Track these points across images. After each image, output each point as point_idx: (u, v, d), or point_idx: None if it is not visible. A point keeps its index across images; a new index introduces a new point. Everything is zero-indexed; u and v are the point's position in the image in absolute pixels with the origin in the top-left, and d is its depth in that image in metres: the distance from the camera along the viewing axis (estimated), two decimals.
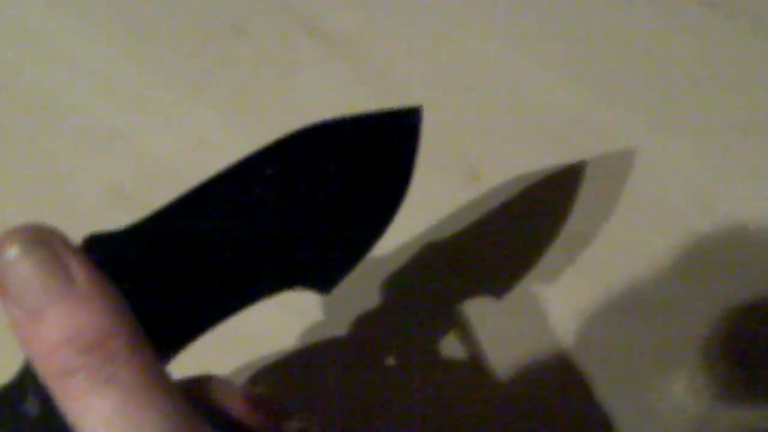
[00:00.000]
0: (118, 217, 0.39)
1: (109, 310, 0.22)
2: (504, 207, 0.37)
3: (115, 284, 0.22)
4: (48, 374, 0.22)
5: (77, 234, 0.24)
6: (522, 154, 0.38)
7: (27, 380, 0.25)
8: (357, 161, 0.26)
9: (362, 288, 0.36)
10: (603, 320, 0.36)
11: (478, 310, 0.36)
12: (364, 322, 0.36)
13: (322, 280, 0.26)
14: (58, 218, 0.40)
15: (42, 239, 0.22)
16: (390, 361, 0.36)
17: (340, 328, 0.36)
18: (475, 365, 0.36)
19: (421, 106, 0.27)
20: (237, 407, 0.27)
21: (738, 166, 0.37)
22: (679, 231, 0.36)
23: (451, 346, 0.36)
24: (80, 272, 0.22)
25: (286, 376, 0.36)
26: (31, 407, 0.24)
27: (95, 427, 0.21)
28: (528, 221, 0.37)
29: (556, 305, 0.36)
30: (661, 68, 0.39)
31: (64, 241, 0.22)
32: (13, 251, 0.22)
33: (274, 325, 0.36)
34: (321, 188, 0.25)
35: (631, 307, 0.36)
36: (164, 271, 0.24)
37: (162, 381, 0.22)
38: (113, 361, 0.22)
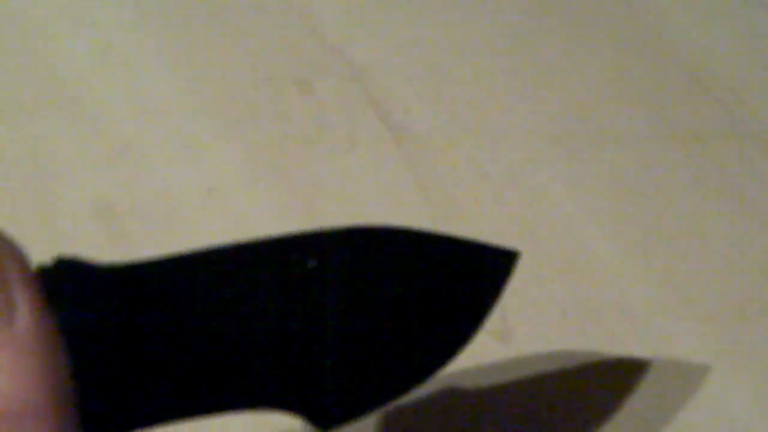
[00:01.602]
0: (98, 240, 0.33)
1: (45, 376, 0.16)
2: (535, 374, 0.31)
3: (65, 343, 0.16)
4: None
5: (49, 248, 0.19)
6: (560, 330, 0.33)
7: None
8: (426, 286, 0.20)
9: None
10: None
11: None
12: None
13: (326, 414, 0.20)
14: (34, 220, 0.35)
15: None
16: None
17: None
18: None
19: (519, 252, 0.22)
20: None
21: None
22: None
23: None
24: (26, 310, 0.16)
25: None
26: None
27: None
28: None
29: None
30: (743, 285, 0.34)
31: (20, 260, 0.16)
32: None
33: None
34: (369, 304, 0.20)
35: None
36: (140, 341, 0.18)
37: None
38: None
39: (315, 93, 0.38)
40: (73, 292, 0.18)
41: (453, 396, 0.30)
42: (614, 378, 0.32)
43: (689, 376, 0.32)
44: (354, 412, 0.21)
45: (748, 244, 0.36)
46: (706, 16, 0.43)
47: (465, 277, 0.21)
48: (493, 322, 0.28)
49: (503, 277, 0.21)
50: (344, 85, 0.38)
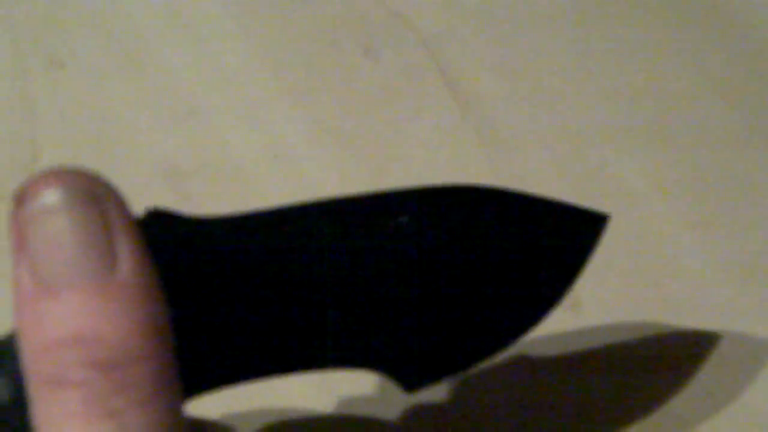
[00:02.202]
0: (164, 200, 0.33)
1: (148, 324, 0.16)
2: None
3: (165, 289, 0.16)
4: (34, 372, 0.16)
5: None
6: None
7: (4, 357, 0.19)
8: (519, 247, 0.20)
9: None
10: None
11: None
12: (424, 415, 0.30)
13: (412, 374, 0.20)
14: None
15: (94, 194, 0.16)
16: None
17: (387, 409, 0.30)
18: None
19: (610, 215, 0.21)
20: None
21: None
22: None
23: None
24: (129, 258, 0.16)
25: None
26: (2, 388, 0.19)
27: None
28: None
29: None
30: None
31: (122, 206, 0.16)
32: (50, 197, 0.16)
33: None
34: (459, 263, 0.20)
35: None
36: (229, 292, 0.18)
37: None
38: (126, 393, 0.15)
39: (381, 60, 0.38)
40: (171, 240, 0.18)
41: (523, 366, 0.30)
42: (682, 349, 0.32)
43: (758, 350, 0.32)
44: (439, 375, 0.21)
45: None
46: None
47: (555, 237, 0.20)
48: None
49: (593, 239, 0.21)
50: (410, 52, 0.38)
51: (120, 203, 0.16)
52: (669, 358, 0.31)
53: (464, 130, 0.36)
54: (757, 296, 0.33)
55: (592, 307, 0.32)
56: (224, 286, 0.18)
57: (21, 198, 0.16)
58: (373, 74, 0.37)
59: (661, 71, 0.38)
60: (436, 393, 0.30)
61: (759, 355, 0.32)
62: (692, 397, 0.31)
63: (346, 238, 0.19)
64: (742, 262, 0.34)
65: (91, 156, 0.36)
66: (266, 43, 0.38)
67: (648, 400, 0.31)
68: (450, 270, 0.19)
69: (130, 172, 0.36)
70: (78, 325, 0.15)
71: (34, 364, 0.16)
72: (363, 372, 0.20)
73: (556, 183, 0.35)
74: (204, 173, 0.35)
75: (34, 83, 0.37)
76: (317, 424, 0.29)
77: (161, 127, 0.37)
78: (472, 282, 0.20)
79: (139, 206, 0.19)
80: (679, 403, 0.30)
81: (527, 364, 0.30)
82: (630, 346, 0.31)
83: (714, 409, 0.31)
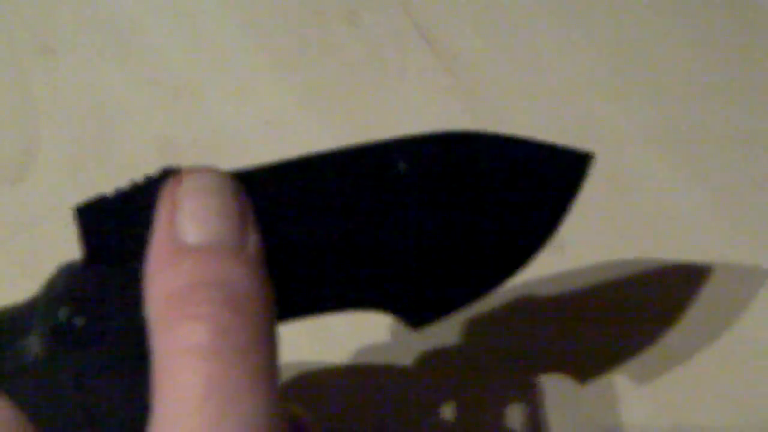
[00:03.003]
0: None
1: (264, 286, 0.19)
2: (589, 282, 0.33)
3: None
4: (166, 308, 0.19)
5: (113, 179, 0.21)
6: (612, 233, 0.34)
7: (36, 315, 0.20)
8: (510, 187, 0.21)
9: None
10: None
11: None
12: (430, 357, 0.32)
13: (418, 313, 0.22)
14: (98, 157, 0.37)
15: (238, 193, 0.20)
16: (445, 412, 0.31)
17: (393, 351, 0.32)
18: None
19: (594, 153, 0.23)
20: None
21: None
22: None
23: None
24: (254, 238, 0.20)
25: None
26: (34, 344, 0.20)
27: (185, 390, 0.18)
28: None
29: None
30: None
31: (249, 204, 0.21)
32: (212, 181, 0.20)
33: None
34: (455, 204, 0.21)
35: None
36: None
37: (275, 375, 0.19)
38: (245, 332, 0.18)
39: (363, 24, 0.39)
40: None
41: (512, 306, 0.32)
42: (672, 284, 0.33)
43: (747, 280, 0.34)
44: (441, 312, 0.22)
45: None
46: None
47: (543, 176, 0.22)
48: None
49: (579, 177, 0.22)
50: (391, 14, 0.39)
51: (250, 205, 0.21)
52: (660, 295, 0.33)
53: (448, 87, 0.37)
54: (743, 231, 0.34)
55: (581, 249, 0.33)
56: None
57: (181, 177, 0.20)
58: (357, 39, 0.38)
59: (646, 21, 0.39)
60: (439, 336, 0.31)
61: (749, 285, 0.34)
62: (686, 331, 0.32)
63: (352, 185, 0.21)
64: (729, 200, 0.35)
65: (88, 134, 0.37)
66: (250, 15, 0.39)
67: (642, 336, 0.32)
68: (446, 212, 0.21)
69: (126, 149, 0.37)
70: (214, 274, 0.19)
71: (169, 299, 0.19)
72: (374, 312, 0.22)
73: (543, 133, 0.36)
74: (198, 146, 0.37)
75: (28, 70, 0.38)
76: (333, 375, 0.31)
77: (153, 105, 0.38)
78: (466, 222, 0.21)
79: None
80: (673, 338, 0.32)
81: (522, 306, 0.32)
82: (621, 284, 0.33)
83: (709, 341, 0.32)
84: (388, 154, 0.21)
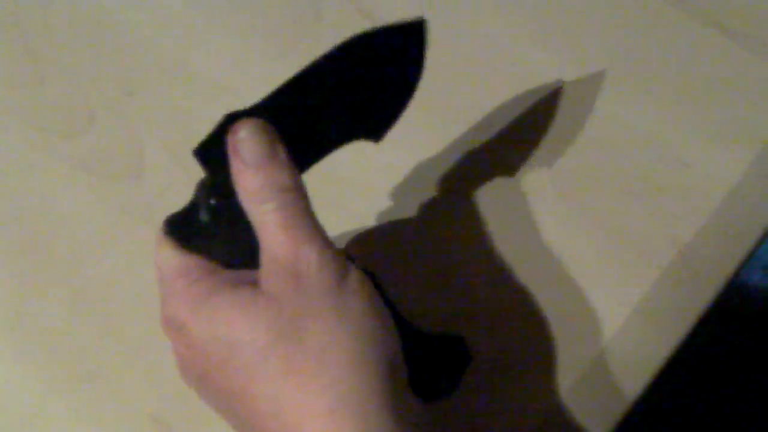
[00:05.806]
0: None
1: (293, 176, 0.34)
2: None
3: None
4: (254, 199, 0.34)
5: None
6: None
7: (201, 199, 0.36)
8: (376, 61, 0.36)
9: None
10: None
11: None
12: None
13: (373, 132, 0.38)
14: None
15: (266, 127, 0.34)
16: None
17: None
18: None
19: (423, 17, 0.35)
20: None
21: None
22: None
23: None
24: (281, 150, 0.34)
25: None
26: (204, 216, 0.36)
27: (275, 228, 0.33)
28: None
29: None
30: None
31: (275, 132, 0.34)
32: (250, 126, 0.34)
33: None
34: (363, 77, 0.36)
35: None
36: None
37: (314, 216, 0.34)
38: (290, 198, 0.34)
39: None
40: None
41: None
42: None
43: (587, 89, 0.48)
44: (380, 128, 0.38)
45: None
46: None
47: (393, 53, 0.36)
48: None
49: (421, 42, 0.36)
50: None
51: (274, 131, 0.34)
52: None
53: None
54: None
55: None
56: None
57: (236, 128, 0.34)
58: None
59: None
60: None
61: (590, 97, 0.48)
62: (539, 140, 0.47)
63: (321, 82, 0.35)
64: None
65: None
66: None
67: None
68: (350, 80, 0.35)
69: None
70: (270, 177, 0.33)
71: (252, 194, 0.34)
72: (352, 142, 0.37)
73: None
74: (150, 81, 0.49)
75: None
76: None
77: None
78: (363, 85, 0.36)
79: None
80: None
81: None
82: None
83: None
84: (331, 60, 0.34)
